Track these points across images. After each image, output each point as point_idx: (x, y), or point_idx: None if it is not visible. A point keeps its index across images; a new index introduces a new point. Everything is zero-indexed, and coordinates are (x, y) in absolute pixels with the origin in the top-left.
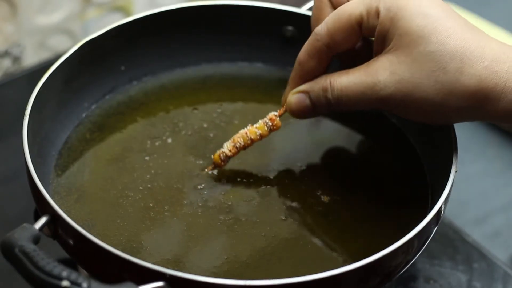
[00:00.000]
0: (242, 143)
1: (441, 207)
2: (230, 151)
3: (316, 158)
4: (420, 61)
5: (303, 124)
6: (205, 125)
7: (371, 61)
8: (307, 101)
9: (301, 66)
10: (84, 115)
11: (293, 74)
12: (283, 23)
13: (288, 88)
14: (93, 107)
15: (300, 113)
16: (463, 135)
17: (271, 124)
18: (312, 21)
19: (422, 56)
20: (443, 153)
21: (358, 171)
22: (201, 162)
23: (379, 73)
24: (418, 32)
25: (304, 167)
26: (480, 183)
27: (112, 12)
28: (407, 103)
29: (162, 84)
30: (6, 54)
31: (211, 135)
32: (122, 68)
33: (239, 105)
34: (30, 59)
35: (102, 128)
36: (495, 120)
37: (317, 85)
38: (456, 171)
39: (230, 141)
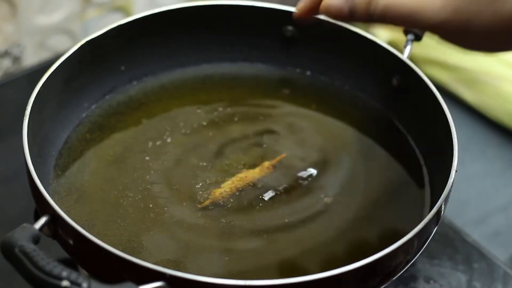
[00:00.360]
0: (240, 186)
1: (441, 207)
2: (231, 190)
3: (317, 160)
4: None
5: (302, 124)
6: (205, 125)
7: None
8: (346, 7)
9: None
10: (84, 115)
11: None
12: (283, 23)
13: None
14: (93, 107)
15: (336, 16)
16: (463, 135)
17: (267, 170)
18: None
19: None
20: (443, 153)
21: (358, 172)
22: (201, 162)
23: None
24: None
25: (305, 169)
26: (480, 183)
27: (112, 12)
28: (460, 33)
29: (162, 84)
30: (6, 54)
31: (211, 134)
32: (122, 68)
33: (239, 105)
34: (30, 59)
35: (102, 128)
36: None
37: None
38: (456, 171)
39: (230, 182)
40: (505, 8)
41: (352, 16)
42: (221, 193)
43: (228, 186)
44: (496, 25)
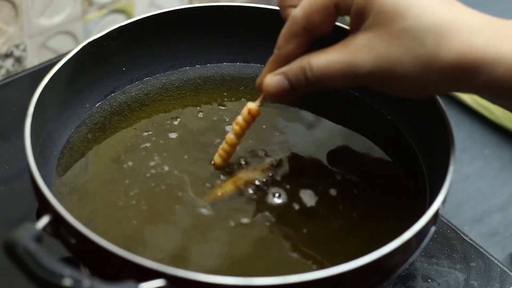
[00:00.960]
0: (241, 185)
1: (439, 206)
2: (232, 189)
3: (315, 159)
4: (398, 37)
5: (302, 124)
6: (206, 126)
7: (348, 38)
8: (285, 83)
9: (279, 51)
10: (86, 115)
11: (272, 59)
12: (283, 25)
13: (264, 70)
14: (94, 107)
15: (278, 94)
16: (461, 135)
17: (268, 170)
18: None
19: (399, 32)
20: (441, 153)
21: (356, 172)
22: (202, 162)
23: (358, 51)
24: (393, 9)
25: (303, 168)
26: (477, 182)
27: (113, 14)
28: (386, 79)
29: (163, 85)
30: (8, 55)
31: (212, 135)
32: (124, 69)
33: (239, 105)
34: (33, 60)
35: (104, 128)
36: (475, 93)
37: (295, 66)
38: (454, 171)
39: (231, 181)
40: (424, 52)
41: (294, 88)
42: (223, 193)
43: (229, 185)
44: (419, 70)
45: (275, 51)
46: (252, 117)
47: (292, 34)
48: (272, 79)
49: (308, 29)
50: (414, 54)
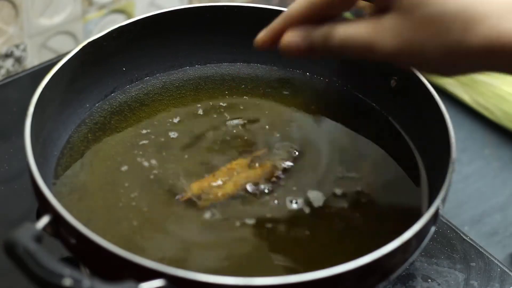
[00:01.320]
0: (242, 186)
1: (438, 206)
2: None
3: (315, 159)
4: (423, 23)
5: (303, 124)
6: (206, 126)
7: (375, 17)
8: (306, 42)
9: (291, 11)
10: (86, 115)
11: (283, 16)
12: None
13: (280, 20)
14: (95, 107)
15: (294, 51)
16: (461, 135)
17: (269, 170)
18: None
19: (424, 18)
20: (441, 153)
21: (356, 172)
22: (202, 162)
23: (382, 32)
24: None
25: (304, 168)
26: (477, 182)
27: (113, 14)
28: (411, 63)
29: (163, 85)
30: (8, 55)
31: (212, 135)
32: (124, 68)
33: (239, 105)
34: (33, 60)
35: (104, 128)
36: (503, 73)
37: (318, 31)
38: (454, 171)
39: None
40: (450, 39)
41: (311, 51)
42: (223, 194)
43: (230, 186)
44: (446, 56)
45: (287, 10)
46: None
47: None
48: (293, 35)
49: (329, 3)
50: (439, 40)
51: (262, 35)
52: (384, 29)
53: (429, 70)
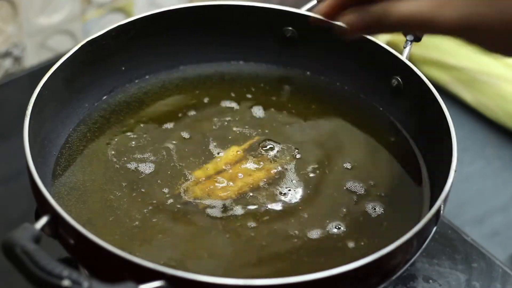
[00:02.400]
0: (244, 188)
1: (440, 206)
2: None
3: (317, 160)
4: None
5: (303, 125)
6: (205, 125)
7: None
8: (364, 22)
9: None
10: (85, 115)
11: None
12: (282, 24)
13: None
14: (93, 107)
15: (354, 30)
16: (462, 135)
17: (271, 172)
18: None
19: None
20: (442, 153)
21: (357, 171)
22: (203, 162)
23: (443, 5)
24: None
25: (304, 169)
26: (479, 183)
27: (112, 13)
28: (472, 36)
29: (163, 84)
30: (7, 54)
31: (212, 134)
32: (123, 68)
33: (239, 104)
34: (31, 60)
35: (103, 127)
36: None
37: (375, 8)
38: (455, 171)
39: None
40: (510, 7)
41: (369, 28)
42: (224, 194)
43: (230, 187)
44: (506, 26)
45: None
46: None
47: None
48: (354, 16)
49: None
50: (499, 9)
51: (324, 7)
52: (444, 2)
53: (489, 45)
